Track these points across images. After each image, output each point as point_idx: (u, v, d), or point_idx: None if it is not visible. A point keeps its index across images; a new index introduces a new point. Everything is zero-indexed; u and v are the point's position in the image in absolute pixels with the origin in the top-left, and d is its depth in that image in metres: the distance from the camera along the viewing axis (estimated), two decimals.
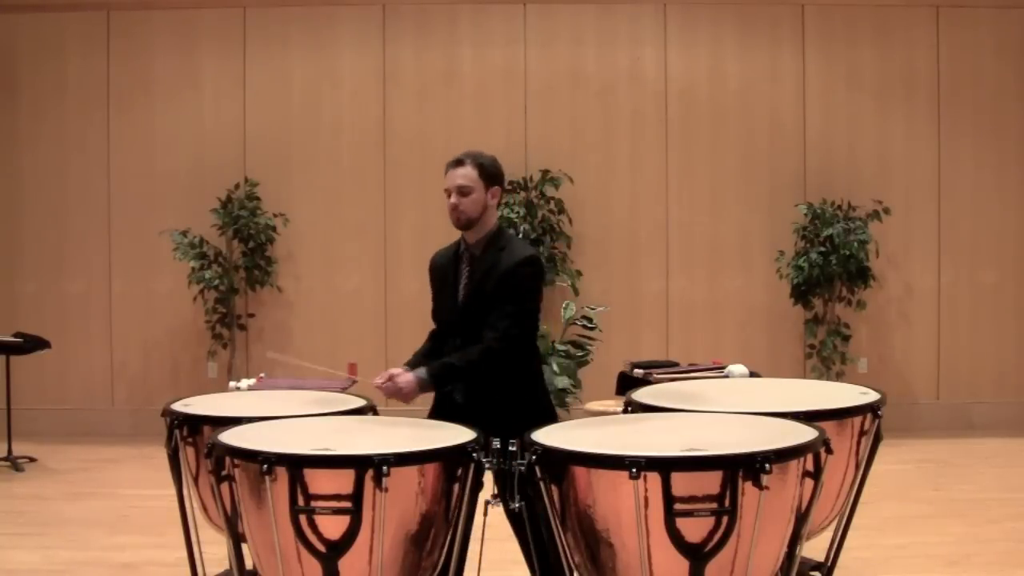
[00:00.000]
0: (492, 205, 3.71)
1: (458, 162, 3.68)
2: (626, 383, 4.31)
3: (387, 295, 8.39)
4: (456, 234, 3.83)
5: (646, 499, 2.60)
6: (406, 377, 3.52)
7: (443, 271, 3.79)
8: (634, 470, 2.58)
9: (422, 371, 3.54)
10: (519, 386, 3.68)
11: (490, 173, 3.68)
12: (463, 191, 3.64)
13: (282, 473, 2.73)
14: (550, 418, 3.61)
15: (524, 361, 3.72)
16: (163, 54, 8.43)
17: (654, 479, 2.59)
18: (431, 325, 3.94)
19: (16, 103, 8.48)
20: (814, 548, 3.48)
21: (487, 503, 3.02)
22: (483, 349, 3.56)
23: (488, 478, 3.00)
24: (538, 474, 2.81)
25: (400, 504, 2.76)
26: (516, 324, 3.60)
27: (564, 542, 2.86)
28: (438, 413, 3.63)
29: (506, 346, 3.58)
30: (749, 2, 8.36)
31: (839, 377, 7.82)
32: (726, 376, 4.19)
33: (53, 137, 8.46)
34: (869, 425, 3.37)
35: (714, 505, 2.60)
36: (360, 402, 3.64)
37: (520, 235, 7.65)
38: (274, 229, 8.23)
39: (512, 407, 3.55)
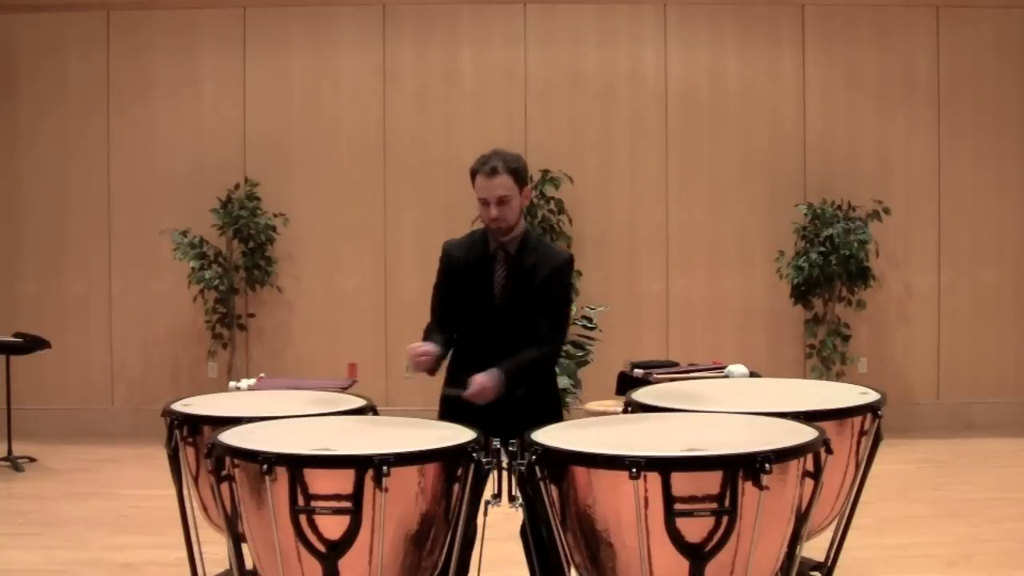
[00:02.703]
0: (525, 206, 3.70)
1: (493, 171, 3.56)
2: (626, 383, 4.31)
3: (387, 295, 8.39)
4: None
5: (646, 499, 2.60)
6: (489, 379, 3.47)
7: (470, 267, 3.68)
8: (634, 470, 2.58)
9: (499, 374, 3.48)
10: (538, 386, 3.69)
11: (522, 177, 3.63)
12: (503, 200, 3.57)
13: (282, 473, 2.73)
14: (558, 416, 3.64)
15: None
16: (163, 54, 8.43)
17: (654, 479, 2.59)
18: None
19: (16, 103, 8.48)
20: (814, 548, 3.48)
21: (487, 503, 3.02)
22: (550, 349, 3.66)
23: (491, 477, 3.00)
24: (538, 474, 2.81)
25: (400, 504, 2.76)
26: (564, 325, 3.75)
27: (564, 542, 2.86)
28: (450, 414, 3.51)
29: (560, 347, 3.76)
30: (749, 2, 8.36)
31: (839, 377, 7.82)
32: (726, 376, 4.19)
33: (53, 137, 8.46)
34: (869, 425, 3.37)
35: (714, 505, 2.60)
36: (360, 402, 3.64)
37: None
38: (274, 229, 8.22)
39: (528, 407, 3.55)
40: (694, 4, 8.37)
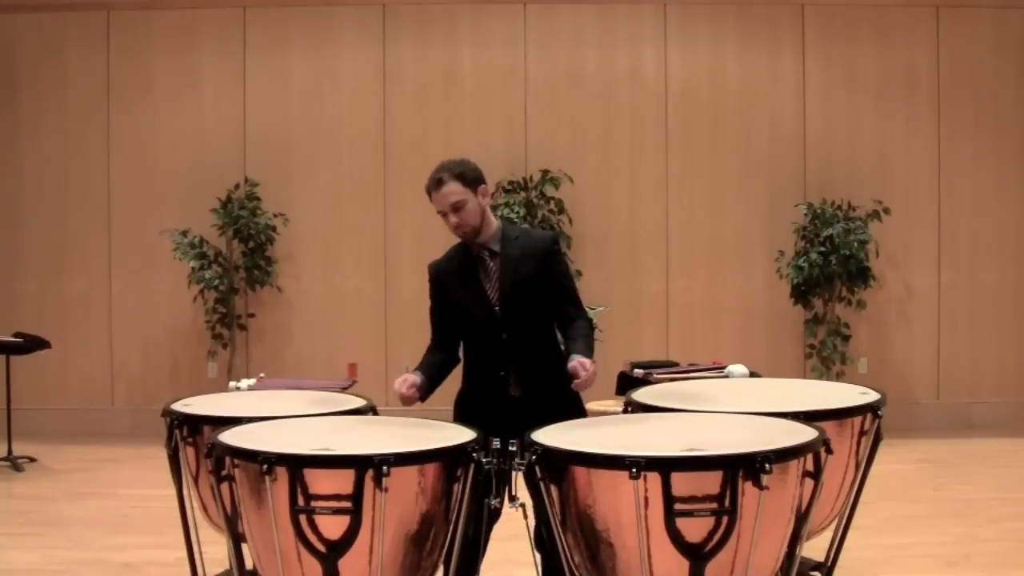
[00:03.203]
0: (486, 204, 3.70)
1: (438, 182, 3.62)
2: (626, 383, 4.31)
3: (387, 295, 8.40)
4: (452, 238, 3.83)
5: (646, 499, 2.60)
6: (587, 360, 3.55)
7: (457, 278, 3.72)
8: (634, 470, 2.58)
9: (581, 355, 3.57)
10: (561, 375, 3.70)
11: (471, 177, 3.64)
12: (457, 207, 3.61)
13: (282, 473, 2.72)
14: (582, 412, 3.70)
15: (558, 347, 3.77)
16: (163, 54, 8.43)
17: (654, 479, 2.59)
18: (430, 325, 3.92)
19: (16, 103, 8.49)
20: (814, 548, 3.48)
21: (486, 503, 3.02)
22: (589, 323, 3.77)
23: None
24: (538, 474, 2.81)
25: (400, 504, 2.76)
26: (579, 298, 3.83)
27: (564, 542, 2.86)
28: (491, 410, 3.53)
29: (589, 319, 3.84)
30: (749, 2, 8.36)
31: (839, 377, 7.82)
32: (726, 376, 4.19)
33: (53, 137, 8.47)
34: (869, 425, 3.37)
35: (714, 505, 2.60)
36: (360, 402, 3.63)
37: None
38: (274, 229, 8.23)
39: (559, 397, 3.60)
40: (694, 4, 8.38)
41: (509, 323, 3.63)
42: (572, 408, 3.65)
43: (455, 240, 3.84)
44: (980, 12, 8.33)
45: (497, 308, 3.64)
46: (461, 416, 3.63)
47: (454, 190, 3.61)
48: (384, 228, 8.41)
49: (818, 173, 8.36)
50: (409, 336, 8.17)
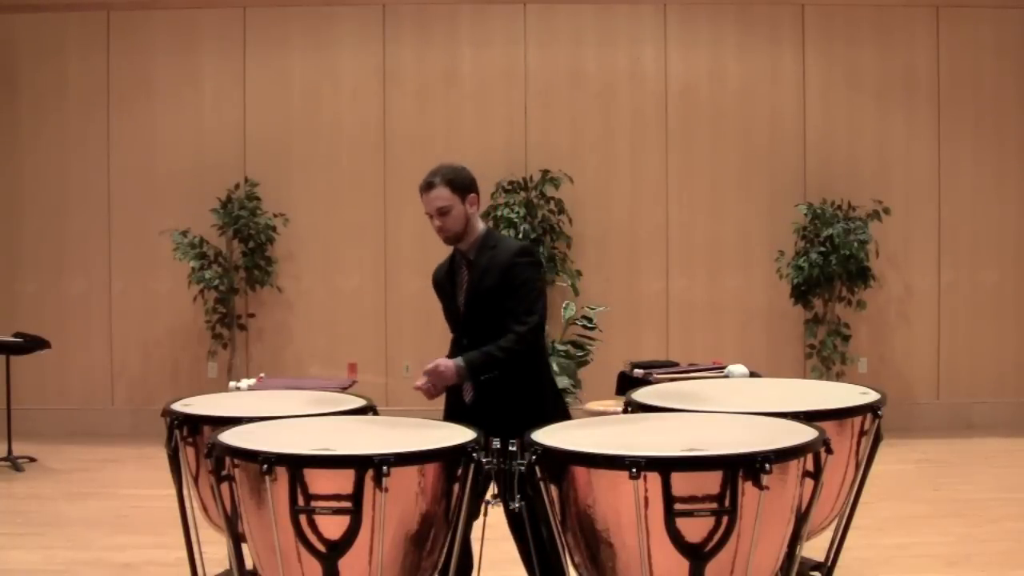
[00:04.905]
0: (473, 212, 3.81)
1: (428, 185, 3.75)
2: (626, 383, 4.32)
3: (387, 295, 8.40)
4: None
5: (646, 499, 2.60)
6: (446, 363, 3.64)
7: (444, 282, 3.91)
8: (634, 470, 2.58)
9: (460, 360, 3.65)
10: (526, 384, 3.75)
11: (461, 185, 3.76)
12: (443, 211, 3.74)
13: (282, 473, 2.73)
14: (560, 415, 3.67)
15: (529, 357, 3.77)
16: (163, 54, 8.43)
17: (654, 479, 2.59)
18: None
19: (16, 103, 8.48)
20: (814, 548, 3.48)
21: (487, 503, 3.02)
22: (515, 338, 3.68)
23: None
24: (538, 474, 2.81)
25: (400, 504, 2.76)
26: (532, 311, 3.73)
27: (564, 542, 2.86)
28: (449, 415, 3.73)
29: (530, 331, 3.71)
30: (749, 2, 8.36)
31: (839, 377, 7.82)
32: (726, 376, 4.19)
33: (53, 137, 8.46)
34: (869, 425, 3.37)
35: (714, 505, 2.60)
36: (360, 402, 3.64)
37: (520, 235, 7.69)
38: (274, 229, 8.23)
39: (520, 405, 3.61)
40: (694, 4, 8.38)
41: (469, 330, 3.77)
42: (528, 424, 3.61)
43: None
44: (980, 12, 8.33)
45: (462, 315, 3.80)
46: (447, 413, 3.80)
47: (442, 195, 3.74)
48: (384, 228, 8.41)
49: (818, 173, 8.36)
50: (409, 336, 8.19)
